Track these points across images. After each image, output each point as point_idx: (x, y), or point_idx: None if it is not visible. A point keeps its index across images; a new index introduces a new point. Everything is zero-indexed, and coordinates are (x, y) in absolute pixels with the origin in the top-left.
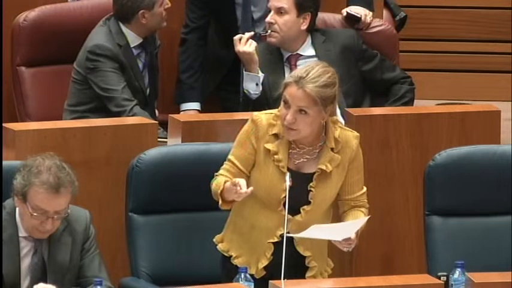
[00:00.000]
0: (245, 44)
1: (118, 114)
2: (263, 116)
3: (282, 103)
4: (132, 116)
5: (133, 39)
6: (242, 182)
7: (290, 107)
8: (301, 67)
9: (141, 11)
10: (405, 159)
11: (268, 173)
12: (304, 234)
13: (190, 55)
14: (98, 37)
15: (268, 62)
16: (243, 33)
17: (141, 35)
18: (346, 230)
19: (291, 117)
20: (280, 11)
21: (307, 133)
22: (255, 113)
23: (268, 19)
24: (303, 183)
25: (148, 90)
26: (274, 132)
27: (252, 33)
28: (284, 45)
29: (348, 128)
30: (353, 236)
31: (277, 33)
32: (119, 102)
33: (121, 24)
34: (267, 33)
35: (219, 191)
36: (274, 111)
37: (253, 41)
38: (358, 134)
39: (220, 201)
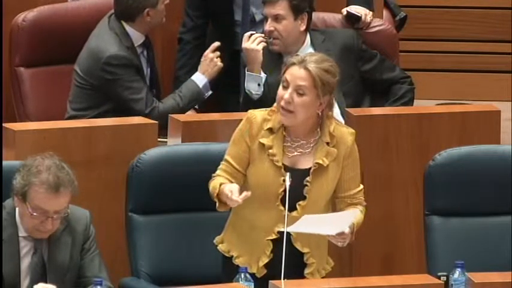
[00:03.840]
0: (253, 42)
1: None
2: (258, 113)
3: (280, 86)
4: (159, 113)
5: (137, 38)
6: (234, 188)
7: (288, 87)
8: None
9: (147, 10)
10: (405, 159)
11: (264, 169)
12: (295, 227)
13: (187, 53)
14: (109, 45)
15: (267, 63)
16: (243, 35)
17: (143, 33)
18: (338, 223)
19: (288, 96)
20: (277, 18)
21: (302, 118)
22: (251, 111)
23: (267, 28)
24: (298, 179)
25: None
26: (269, 126)
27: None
28: (286, 50)
29: (343, 124)
30: (347, 230)
31: (278, 40)
32: (147, 106)
33: (124, 24)
34: (270, 40)
35: (215, 194)
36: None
37: (262, 41)
38: (353, 131)
39: (217, 204)
